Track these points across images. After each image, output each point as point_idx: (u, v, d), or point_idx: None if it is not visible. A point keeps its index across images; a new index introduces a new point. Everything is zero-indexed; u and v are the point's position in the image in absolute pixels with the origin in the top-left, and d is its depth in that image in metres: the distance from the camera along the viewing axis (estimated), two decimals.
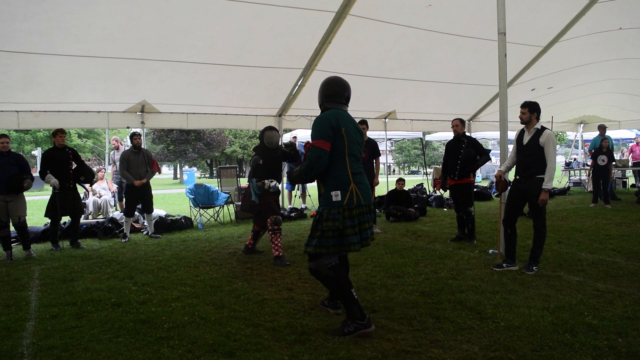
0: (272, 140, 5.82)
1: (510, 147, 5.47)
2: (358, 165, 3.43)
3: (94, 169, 8.33)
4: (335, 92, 3.50)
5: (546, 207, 4.94)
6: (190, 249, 6.66)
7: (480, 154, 6.59)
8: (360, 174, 3.41)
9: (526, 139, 4.99)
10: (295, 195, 11.86)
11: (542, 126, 4.96)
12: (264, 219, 5.80)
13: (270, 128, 5.91)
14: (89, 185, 8.14)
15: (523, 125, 5.10)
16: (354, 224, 3.29)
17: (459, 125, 6.68)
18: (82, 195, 7.78)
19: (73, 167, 7.03)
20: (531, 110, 4.97)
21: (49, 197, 7.19)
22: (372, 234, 3.50)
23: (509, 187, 5.38)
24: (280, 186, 5.84)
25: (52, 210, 6.88)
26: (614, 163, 11.07)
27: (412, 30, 7.69)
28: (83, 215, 8.47)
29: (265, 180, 5.66)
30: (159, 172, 8.24)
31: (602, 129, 11.90)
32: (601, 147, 10.77)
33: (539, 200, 4.79)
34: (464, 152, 6.52)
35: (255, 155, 5.84)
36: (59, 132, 6.97)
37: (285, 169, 10.17)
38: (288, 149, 5.85)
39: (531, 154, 4.89)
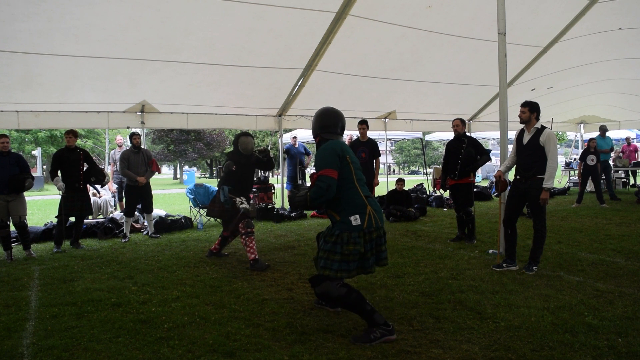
0: (247, 146, 5.75)
1: (510, 147, 5.47)
2: (366, 189, 3.48)
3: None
4: (331, 123, 3.58)
5: (546, 207, 4.94)
6: (190, 249, 6.67)
7: (480, 153, 6.59)
8: (371, 197, 3.46)
9: (526, 138, 4.98)
10: None
11: (542, 125, 4.95)
12: (235, 225, 5.65)
13: (245, 134, 5.84)
14: (99, 186, 8.16)
15: (523, 125, 5.10)
16: (373, 247, 3.33)
17: (459, 125, 6.68)
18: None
19: (84, 168, 7.04)
20: (531, 109, 4.96)
21: (49, 197, 7.19)
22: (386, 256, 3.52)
23: (508, 187, 5.38)
24: (247, 206, 5.62)
25: (60, 211, 6.89)
26: (613, 164, 11.07)
27: (413, 31, 7.69)
28: None
29: (237, 199, 5.55)
30: (159, 172, 8.24)
31: (602, 129, 11.90)
32: (589, 147, 10.78)
33: (540, 199, 4.78)
34: (465, 152, 6.52)
35: (228, 161, 5.74)
36: (69, 133, 6.96)
37: (262, 174, 10.26)
38: (262, 155, 5.90)
39: (531, 154, 4.88)
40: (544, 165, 4.81)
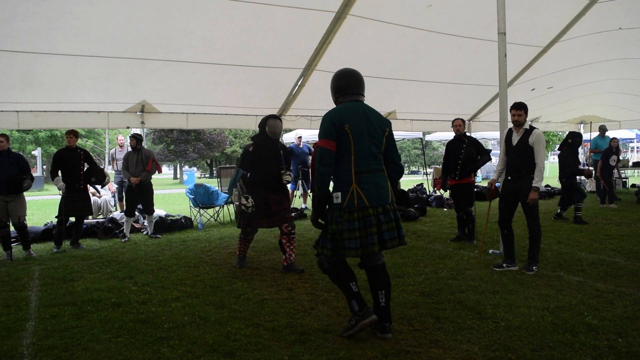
0: (275, 130, 5.17)
1: None
2: (369, 162, 3.16)
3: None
4: (346, 85, 3.31)
5: (539, 205, 4.96)
6: (190, 249, 6.66)
7: (481, 154, 6.59)
8: (371, 172, 3.15)
9: (515, 139, 4.98)
10: (296, 195, 11.85)
11: (530, 126, 4.97)
12: (273, 223, 5.16)
13: (274, 116, 5.28)
14: (100, 186, 8.17)
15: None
16: (354, 228, 3.09)
17: (461, 125, 6.70)
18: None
19: (85, 168, 7.04)
20: (526, 112, 4.97)
21: (49, 197, 7.19)
22: (398, 237, 3.20)
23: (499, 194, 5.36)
24: (250, 205, 5.03)
25: (60, 211, 6.89)
26: (613, 164, 11.04)
27: (413, 31, 7.68)
28: None
29: (246, 201, 5.01)
30: (159, 172, 8.24)
31: (602, 129, 11.88)
32: (611, 147, 10.62)
33: (529, 199, 4.80)
34: (466, 152, 6.52)
35: (251, 143, 5.23)
36: (70, 133, 6.98)
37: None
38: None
39: (522, 155, 4.89)
40: (535, 164, 4.84)
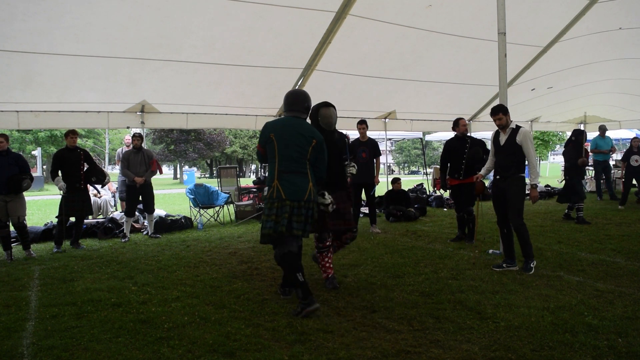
0: (329, 120, 4.45)
1: None
2: (290, 165, 3.87)
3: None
4: (286, 103, 4.07)
5: (524, 205, 4.98)
6: (190, 249, 6.66)
7: (486, 153, 6.59)
8: (290, 173, 3.85)
9: (503, 139, 5.04)
10: None
11: (516, 125, 5.03)
12: (336, 226, 4.61)
13: (326, 104, 4.51)
14: (100, 186, 8.18)
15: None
16: (272, 213, 3.82)
17: (466, 125, 6.76)
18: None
19: (85, 168, 7.04)
20: (504, 113, 5.00)
21: (49, 197, 7.20)
22: (303, 229, 3.86)
23: (489, 190, 5.40)
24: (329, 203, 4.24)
25: (61, 211, 6.89)
26: (613, 163, 11.00)
27: (412, 31, 7.68)
28: None
29: (323, 198, 4.19)
30: (160, 172, 8.25)
31: (602, 129, 11.87)
32: (632, 147, 10.52)
33: (531, 197, 4.86)
34: (472, 152, 6.51)
35: None
36: (70, 133, 6.99)
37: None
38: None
39: (510, 154, 4.95)
40: (523, 163, 4.93)
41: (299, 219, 3.83)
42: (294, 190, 3.81)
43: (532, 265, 4.86)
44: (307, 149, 3.91)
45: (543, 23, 8.28)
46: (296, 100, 4.03)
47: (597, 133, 12.09)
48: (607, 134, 12.07)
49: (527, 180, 5.36)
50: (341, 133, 4.82)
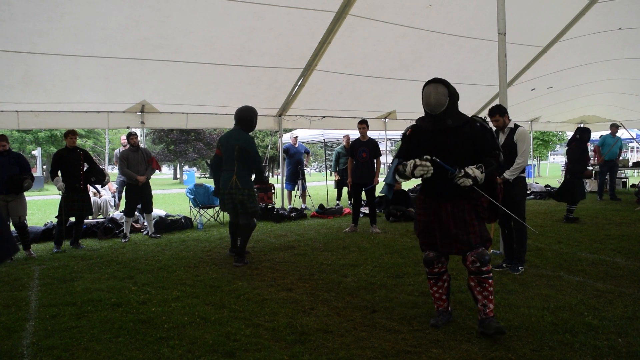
0: (429, 100, 3.44)
1: None
2: (226, 166, 5.71)
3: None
4: (235, 118, 5.92)
5: (525, 205, 4.99)
6: (190, 249, 6.66)
7: None
8: (224, 171, 5.72)
9: (502, 139, 5.03)
10: (295, 195, 11.85)
11: (515, 124, 5.01)
12: (445, 241, 3.38)
13: (430, 82, 3.58)
14: (100, 186, 8.17)
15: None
16: (223, 199, 5.77)
17: None
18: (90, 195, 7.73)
19: (84, 168, 7.04)
20: (501, 114, 4.99)
21: (49, 197, 7.20)
22: (233, 210, 5.80)
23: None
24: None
25: (60, 211, 6.89)
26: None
27: (412, 31, 7.68)
28: None
29: (415, 162, 3.26)
30: (159, 170, 8.24)
31: (614, 127, 11.82)
32: None
33: (495, 179, 4.85)
34: None
35: (411, 125, 3.71)
36: (70, 134, 6.97)
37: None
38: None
39: (509, 154, 4.93)
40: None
41: (228, 202, 5.72)
42: (224, 183, 5.69)
43: (520, 268, 4.85)
44: (234, 153, 5.61)
45: (543, 23, 8.28)
46: (236, 115, 5.96)
47: (598, 133, 12.05)
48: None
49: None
50: (471, 119, 3.67)
